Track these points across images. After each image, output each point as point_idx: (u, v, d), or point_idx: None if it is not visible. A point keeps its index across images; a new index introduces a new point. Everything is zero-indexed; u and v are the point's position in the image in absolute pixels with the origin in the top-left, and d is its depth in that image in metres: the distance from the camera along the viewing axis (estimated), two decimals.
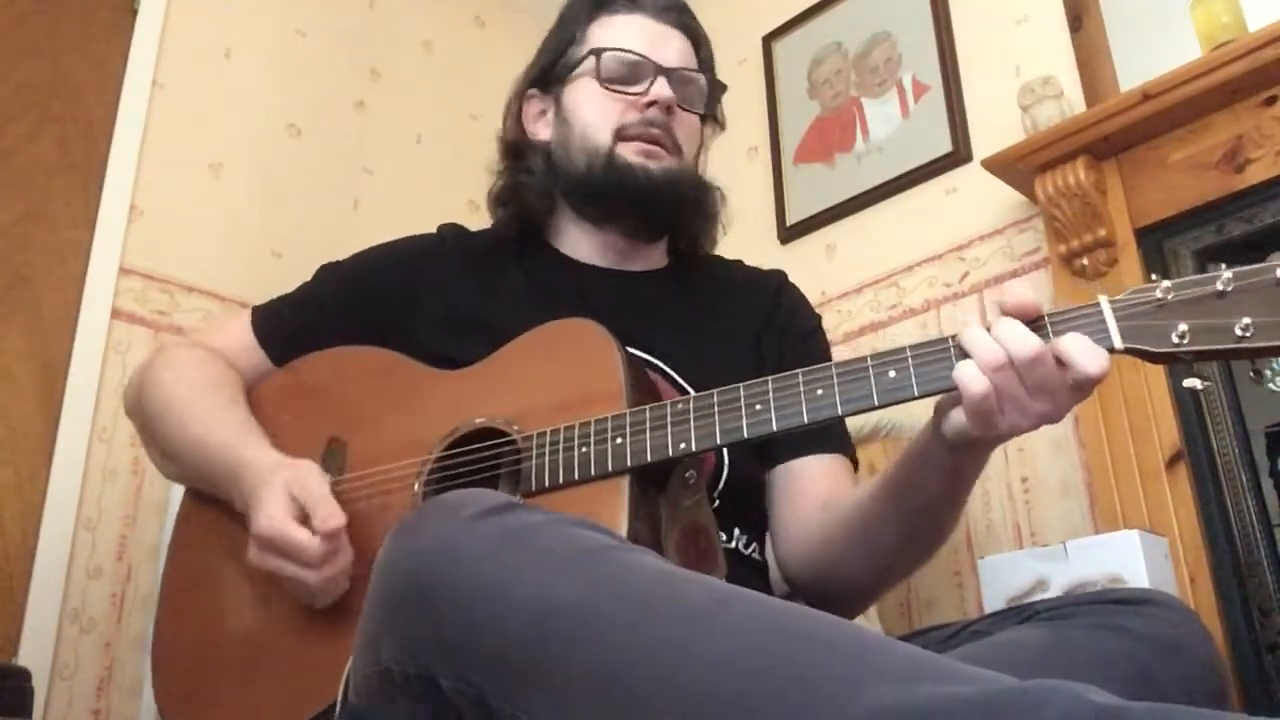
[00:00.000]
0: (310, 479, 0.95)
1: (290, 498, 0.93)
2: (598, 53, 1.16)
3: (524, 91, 1.24)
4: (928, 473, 0.89)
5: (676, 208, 1.18)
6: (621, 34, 1.18)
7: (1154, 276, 0.77)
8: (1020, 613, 0.87)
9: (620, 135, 1.14)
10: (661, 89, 1.14)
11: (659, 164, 1.14)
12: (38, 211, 1.98)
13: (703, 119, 1.24)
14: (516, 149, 1.24)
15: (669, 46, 1.19)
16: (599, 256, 1.20)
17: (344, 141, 2.51)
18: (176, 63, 2.24)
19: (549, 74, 1.22)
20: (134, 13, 2.20)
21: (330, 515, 0.91)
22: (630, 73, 1.16)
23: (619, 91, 1.15)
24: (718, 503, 1.03)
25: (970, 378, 0.76)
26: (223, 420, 1.08)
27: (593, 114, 1.16)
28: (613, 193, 1.15)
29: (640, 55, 1.16)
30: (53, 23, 2.09)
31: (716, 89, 1.25)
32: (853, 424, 1.83)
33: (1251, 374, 0.77)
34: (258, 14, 2.42)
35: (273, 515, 0.92)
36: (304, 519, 0.92)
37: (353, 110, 2.56)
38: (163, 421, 1.11)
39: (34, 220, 1.97)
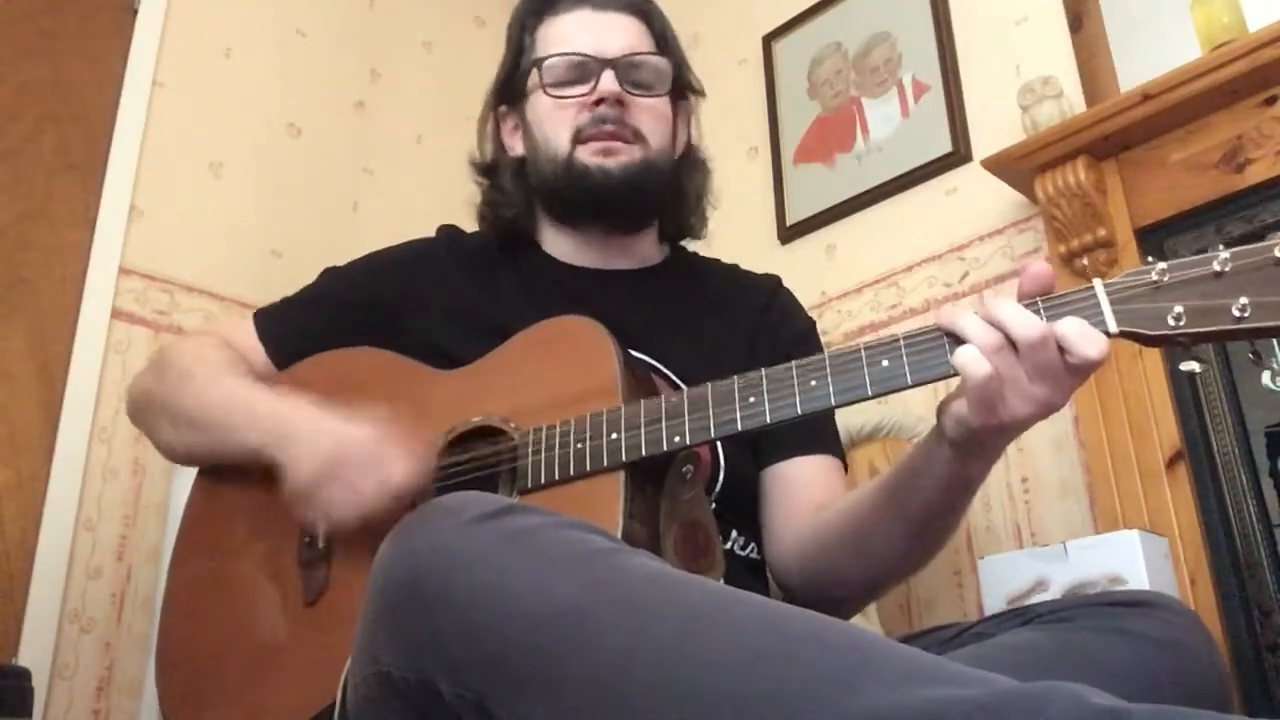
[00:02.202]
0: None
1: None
2: (538, 63, 1.16)
3: (496, 108, 1.24)
4: (928, 479, 0.88)
5: (643, 201, 1.17)
6: (562, 35, 1.17)
7: (1150, 259, 0.75)
8: (1022, 615, 0.86)
9: (577, 139, 1.13)
10: (606, 84, 1.13)
11: (617, 161, 1.12)
12: (38, 211, 1.98)
13: (678, 95, 1.21)
14: (487, 167, 1.24)
15: (613, 35, 1.16)
16: (585, 258, 1.20)
17: (344, 141, 2.51)
18: (176, 62, 2.24)
19: (510, 89, 1.22)
20: (134, 13, 2.20)
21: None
22: (575, 74, 1.15)
23: (566, 96, 1.14)
24: (715, 505, 1.03)
25: (972, 360, 0.75)
26: (258, 385, 1.09)
27: (549, 125, 1.15)
28: (577, 196, 1.15)
29: (580, 54, 1.14)
30: (53, 23, 2.09)
31: (677, 62, 1.21)
32: (853, 424, 1.84)
33: (1250, 355, 0.75)
34: (258, 14, 2.42)
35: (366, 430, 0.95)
36: None
37: (353, 110, 2.56)
38: (183, 389, 1.10)
39: (34, 220, 1.97)
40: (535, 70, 1.16)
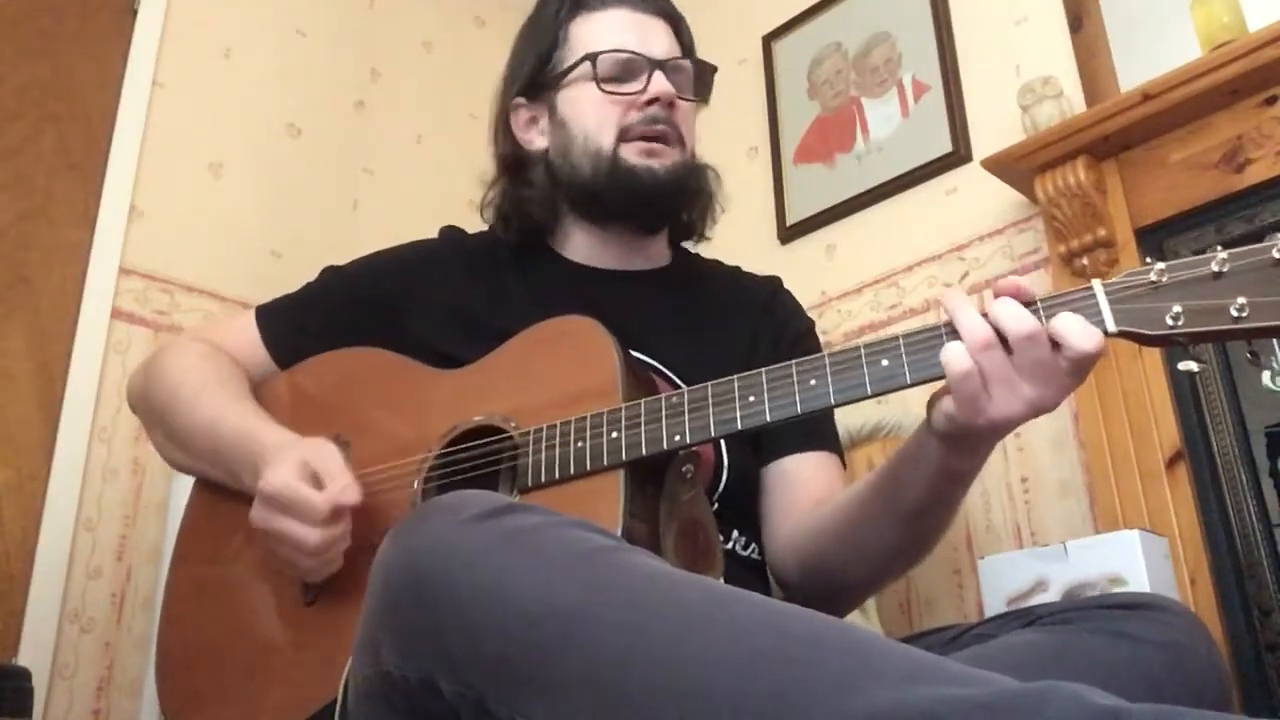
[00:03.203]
0: (326, 450, 0.96)
1: (303, 463, 0.94)
2: (593, 57, 1.15)
3: (510, 101, 1.22)
4: (919, 472, 0.88)
5: (682, 202, 1.18)
6: (608, 31, 1.17)
7: (1148, 260, 0.75)
8: (1023, 617, 0.86)
9: (623, 136, 1.13)
10: (660, 85, 1.13)
11: (663, 163, 1.13)
12: (38, 211, 1.98)
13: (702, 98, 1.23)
14: (515, 162, 1.22)
15: (656, 37, 1.17)
16: (599, 258, 1.20)
17: (344, 141, 2.51)
18: (176, 63, 2.24)
19: (536, 81, 1.20)
20: (134, 13, 2.20)
21: (347, 486, 0.92)
22: (626, 71, 1.15)
23: (617, 93, 1.14)
24: (716, 504, 1.03)
25: (955, 357, 0.76)
26: (234, 408, 1.09)
27: (593, 119, 1.15)
28: (620, 196, 1.14)
29: (633, 53, 1.15)
30: (53, 23, 2.09)
31: (706, 70, 1.23)
32: (853, 424, 1.84)
33: (1248, 355, 0.75)
34: (258, 14, 2.42)
35: (282, 473, 0.93)
36: (315, 483, 0.93)
37: (353, 110, 2.55)
38: (171, 410, 1.11)
39: (34, 220, 1.97)
40: (587, 63, 1.15)
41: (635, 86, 1.14)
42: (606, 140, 1.14)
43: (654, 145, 1.13)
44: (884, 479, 0.93)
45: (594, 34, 1.17)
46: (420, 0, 2.79)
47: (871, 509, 0.95)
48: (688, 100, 1.18)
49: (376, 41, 2.65)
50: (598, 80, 1.14)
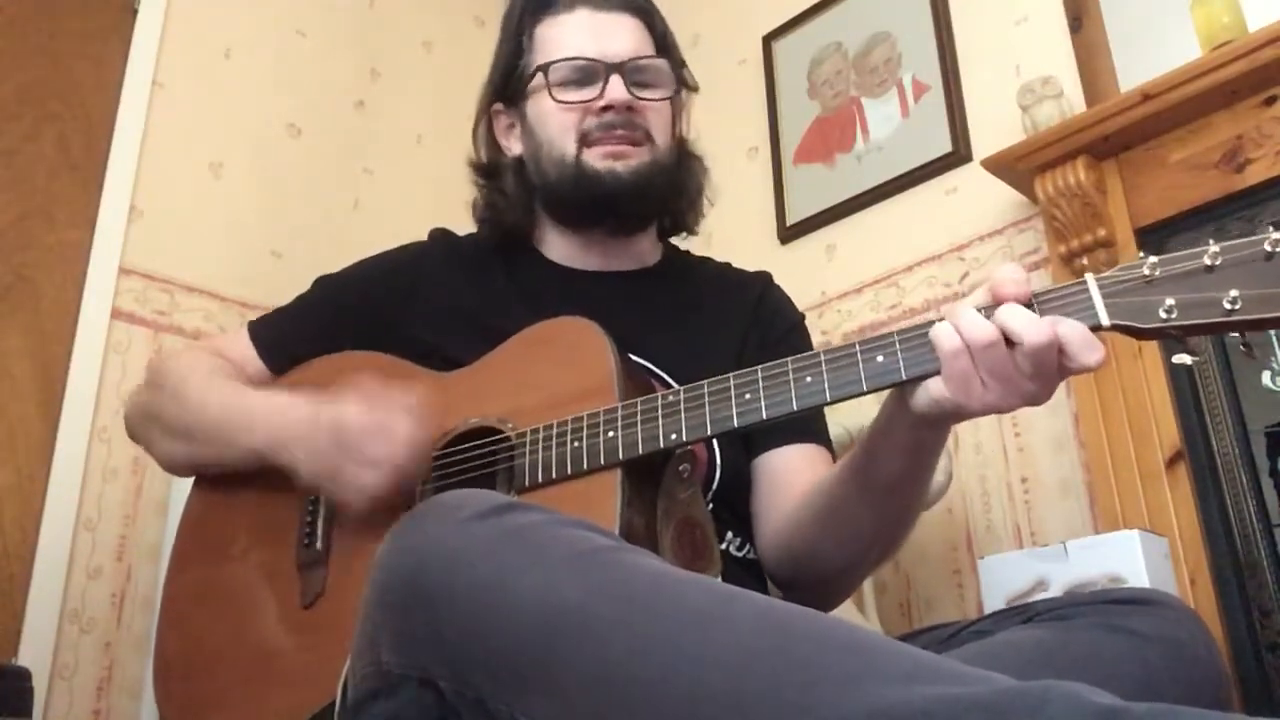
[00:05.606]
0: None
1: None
2: (544, 68, 1.14)
3: (489, 107, 1.23)
4: (889, 448, 0.89)
5: (650, 203, 1.17)
6: (566, 36, 1.16)
7: (1141, 254, 0.76)
8: (1022, 613, 0.87)
9: (584, 142, 1.12)
10: (615, 90, 1.12)
11: (627, 164, 1.12)
12: (38, 211, 1.98)
13: (675, 92, 1.20)
14: (489, 169, 1.23)
15: (617, 36, 1.15)
16: (583, 260, 1.20)
17: (344, 141, 2.51)
18: (176, 63, 2.24)
19: (508, 88, 1.20)
20: (134, 13, 2.20)
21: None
22: (582, 77, 1.14)
23: (573, 101, 1.13)
24: (711, 505, 1.03)
25: (943, 334, 0.76)
26: (248, 389, 1.10)
27: (553, 127, 1.14)
28: (585, 200, 1.14)
29: (587, 59, 1.13)
30: (53, 23, 2.09)
31: (677, 61, 1.21)
32: (853, 424, 1.84)
33: (1242, 347, 0.76)
34: (258, 14, 2.42)
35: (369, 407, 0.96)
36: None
37: (353, 110, 2.56)
38: (178, 403, 1.11)
39: (34, 220, 1.97)
40: (541, 73, 1.15)
41: (591, 93, 1.13)
42: (569, 147, 1.13)
43: (620, 148, 1.12)
44: (855, 459, 0.94)
45: (553, 39, 1.16)
46: (420, 0, 2.79)
47: (846, 488, 0.95)
48: (651, 100, 1.15)
49: (376, 41, 2.65)
50: (550, 89, 1.14)
